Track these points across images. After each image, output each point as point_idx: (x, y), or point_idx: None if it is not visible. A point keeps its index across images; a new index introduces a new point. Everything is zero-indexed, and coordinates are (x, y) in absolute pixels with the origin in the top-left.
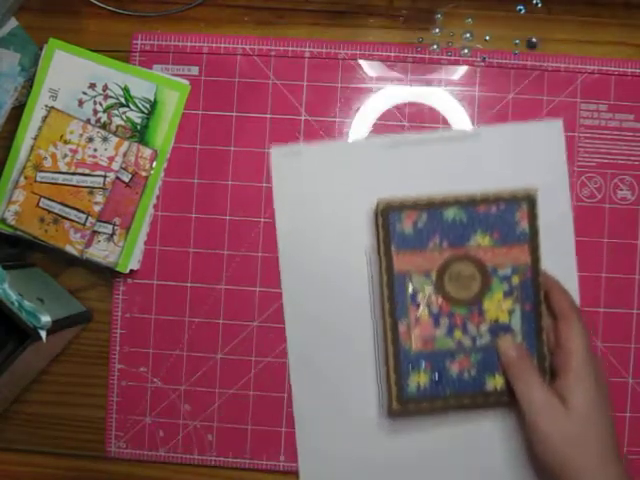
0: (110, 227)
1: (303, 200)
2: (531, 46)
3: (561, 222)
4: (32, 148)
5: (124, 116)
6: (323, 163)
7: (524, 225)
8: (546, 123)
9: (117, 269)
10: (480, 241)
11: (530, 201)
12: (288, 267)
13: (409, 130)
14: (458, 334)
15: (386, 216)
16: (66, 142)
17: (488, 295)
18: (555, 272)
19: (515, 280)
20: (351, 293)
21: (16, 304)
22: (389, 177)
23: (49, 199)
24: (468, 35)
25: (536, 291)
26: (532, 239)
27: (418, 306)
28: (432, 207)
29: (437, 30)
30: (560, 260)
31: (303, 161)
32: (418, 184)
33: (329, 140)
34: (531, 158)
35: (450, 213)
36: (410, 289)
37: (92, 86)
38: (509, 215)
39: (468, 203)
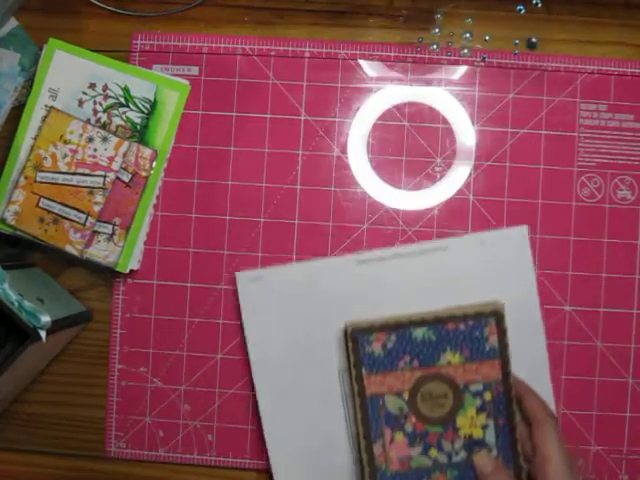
0: (110, 227)
1: (273, 324)
2: (531, 46)
3: (532, 330)
4: (32, 148)
5: (124, 116)
6: (288, 285)
7: (493, 340)
8: (511, 230)
9: (117, 269)
10: (450, 359)
11: (497, 316)
12: (263, 392)
13: (409, 130)
14: (433, 452)
15: (355, 339)
16: (66, 142)
17: (461, 412)
18: (528, 378)
19: (487, 396)
20: (327, 414)
21: (16, 304)
22: (356, 295)
23: (49, 199)
24: (468, 35)
25: (508, 405)
26: (502, 354)
27: (392, 427)
28: (401, 327)
29: (437, 30)
30: (533, 366)
31: (268, 285)
32: (386, 299)
33: (292, 262)
34: (499, 266)
35: (419, 333)
36: (383, 411)
37: (92, 86)
38: (478, 331)
39: (436, 322)
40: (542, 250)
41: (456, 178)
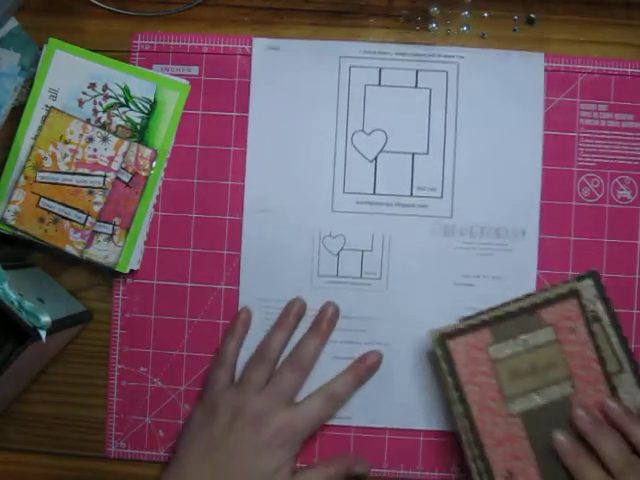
0: (110, 227)
1: (280, 97)
2: (530, 22)
3: (530, 156)
4: (32, 148)
5: (124, 116)
6: (303, 60)
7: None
8: (527, 55)
9: (117, 269)
10: None
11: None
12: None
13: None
14: None
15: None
16: (66, 142)
17: None
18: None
19: None
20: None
21: (16, 304)
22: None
23: (49, 199)
24: (465, 29)
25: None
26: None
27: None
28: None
29: (434, 25)
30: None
31: (283, 56)
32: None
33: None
34: (512, 89)
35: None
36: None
37: (92, 86)
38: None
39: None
40: (542, 250)
41: None
